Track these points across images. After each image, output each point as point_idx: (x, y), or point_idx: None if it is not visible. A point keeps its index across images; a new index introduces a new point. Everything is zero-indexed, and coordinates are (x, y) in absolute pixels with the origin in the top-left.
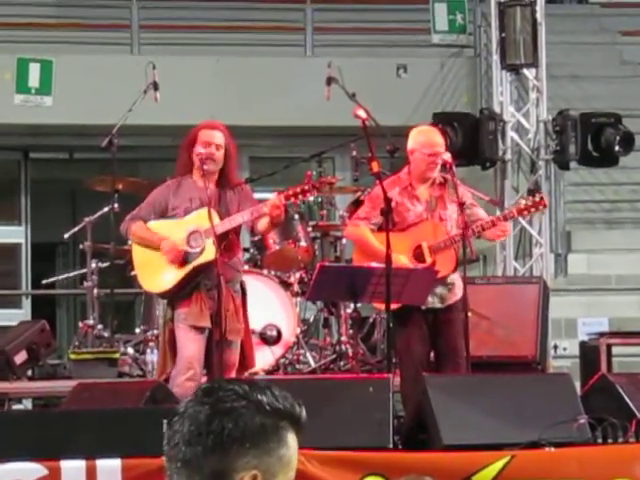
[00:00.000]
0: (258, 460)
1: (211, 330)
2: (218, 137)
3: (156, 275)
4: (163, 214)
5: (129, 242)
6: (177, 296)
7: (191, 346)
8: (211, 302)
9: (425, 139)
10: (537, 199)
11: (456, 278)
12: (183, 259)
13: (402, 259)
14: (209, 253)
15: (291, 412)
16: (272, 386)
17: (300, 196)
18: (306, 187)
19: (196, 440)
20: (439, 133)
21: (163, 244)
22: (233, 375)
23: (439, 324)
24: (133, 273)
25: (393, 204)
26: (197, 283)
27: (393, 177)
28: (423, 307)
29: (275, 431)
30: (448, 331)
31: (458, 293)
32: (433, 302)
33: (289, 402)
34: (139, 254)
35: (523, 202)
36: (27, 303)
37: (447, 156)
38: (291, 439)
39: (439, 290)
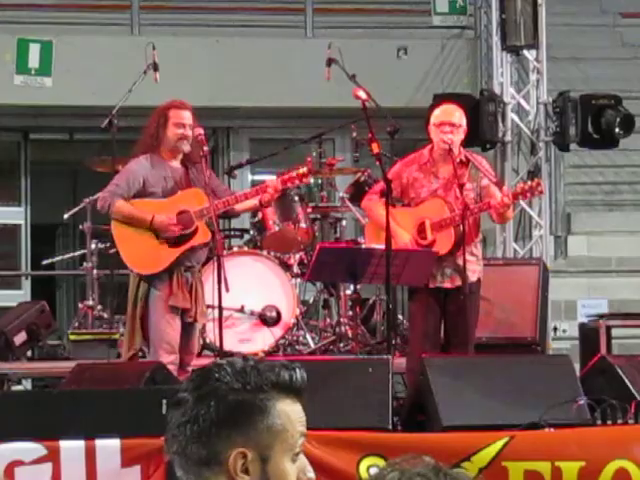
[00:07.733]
0: (244, 437)
1: (184, 311)
2: (188, 117)
3: (147, 255)
4: (140, 192)
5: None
6: (156, 275)
7: (171, 329)
8: (186, 283)
9: (439, 112)
10: (534, 184)
11: (473, 260)
12: (176, 239)
13: (404, 237)
14: (205, 234)
15: (275, 382)
16: (256, 362)
17: (297, 181)
18: (303, 171)
19: (178, 432)
20: (458, 110)
21: (157, 221)
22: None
23: (448, 305)
24: (113, 251)
25: (406, 181)
26: (177, 263)
27: (415, 153)
28: (431, 286)
29: (254, 405)
30: (457, 314)
31: (471, 276)
32: (442, 282)
33: (273, 372)
34: (122, 232)
35: (520, 186)
36: (27, 284)
37: (448, 137)
38: (280, 407)
39: (448, 271)
